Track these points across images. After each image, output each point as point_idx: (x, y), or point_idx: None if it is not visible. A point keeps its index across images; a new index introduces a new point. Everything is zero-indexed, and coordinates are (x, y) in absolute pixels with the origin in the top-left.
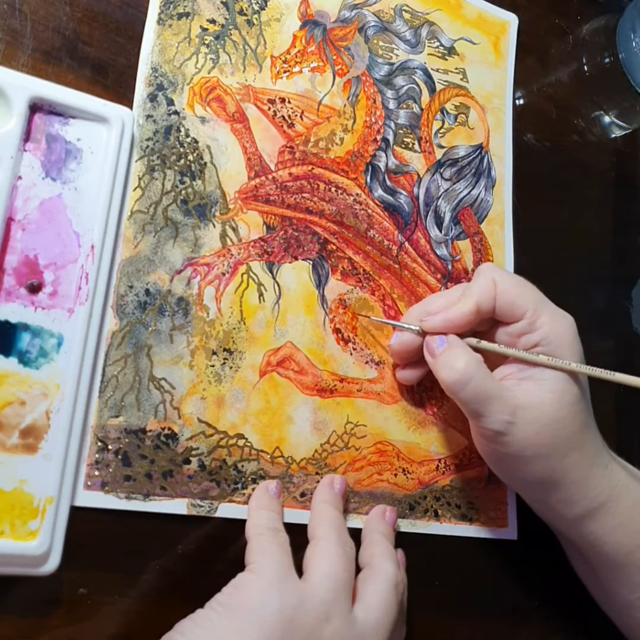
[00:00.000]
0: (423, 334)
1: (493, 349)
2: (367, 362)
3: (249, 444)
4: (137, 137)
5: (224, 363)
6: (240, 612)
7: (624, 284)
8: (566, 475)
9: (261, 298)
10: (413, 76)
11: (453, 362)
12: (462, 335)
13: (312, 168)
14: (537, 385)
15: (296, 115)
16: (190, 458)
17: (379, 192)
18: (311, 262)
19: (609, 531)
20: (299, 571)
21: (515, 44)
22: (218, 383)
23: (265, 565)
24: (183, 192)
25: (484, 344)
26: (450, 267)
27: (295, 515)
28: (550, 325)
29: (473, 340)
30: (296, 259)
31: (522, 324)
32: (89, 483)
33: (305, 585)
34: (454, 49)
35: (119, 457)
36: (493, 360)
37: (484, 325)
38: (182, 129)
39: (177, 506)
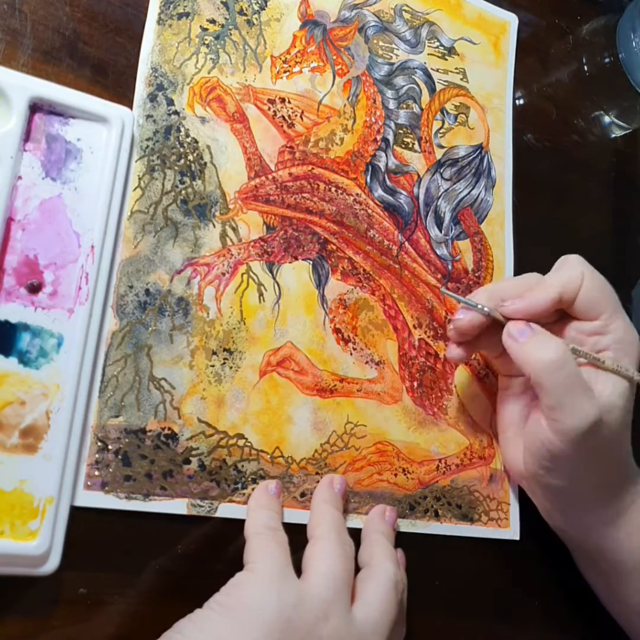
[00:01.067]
0: (488, 315)
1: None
2: (367, 362)
3: (249, 444)
4: (137, 137)
5: (224, 363)
6: (239, 612)
7: (624, 284)
8: (599, 482)
9: (261, 298)
10: (413, 76)
11: (548, 344)
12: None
13: (312, 168)
14: (614, 390)
15: (296, 115)
16: (190, 458)
17: (379, 192)
18: (311, 262)
19: (626, 537)
20: (298, 571)
21: (515, 44)
22: (218, 383)
23: (264, 565)
24: (183, 192)
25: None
26: (450, 267)
27: (295, 515)
28: (623, 333)
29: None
30: (296, 259)
31: (596, 324)
32: (89, 483)
33: (304, 585)
34: (454, 49)
35: (119, 457)
36: None
37: (551, 317)
38: (182, 129)
39: (177, 506)
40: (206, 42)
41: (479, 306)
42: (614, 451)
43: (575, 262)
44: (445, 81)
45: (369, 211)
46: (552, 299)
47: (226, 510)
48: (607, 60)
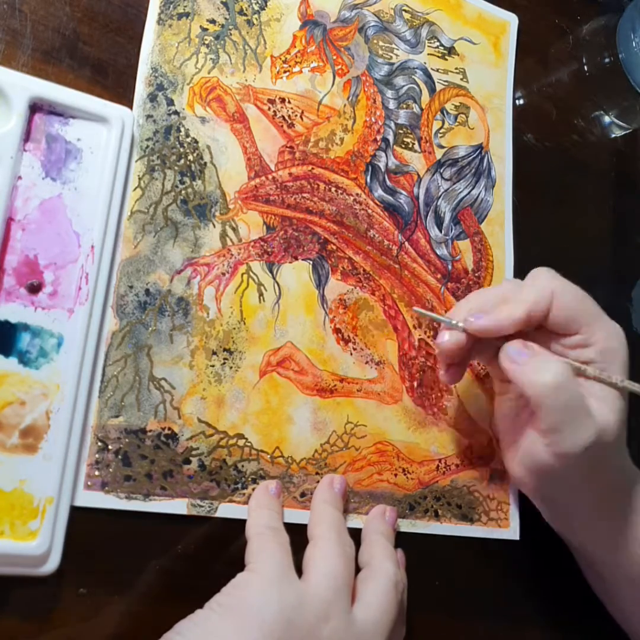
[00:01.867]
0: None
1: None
2: (367, 362)
3: (249, 444)
4: (137, 137)
5: (224, 363)
6: (240, 612)
7: (624, 284)
8: (597, 496)
9: (261, 298)
10: (413, 76)
11: (547, 366)
12: (507, 338)
13: (312, 168)
14: (607, 406)
15: (296, 115)
16: (190, 458)
17: (379, 192)
18: (311, 262)
19: (636, 549)
20: (299, 571)
21: (515, 44)
22: (218, 383)
23: (264, 565)
24: (183, 192)
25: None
26: (450, 267)
27: (295, 515)
28: (605, 343)
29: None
30: (296, 259)
31: (576, 338)
32: (89, 483)
33: (305, 585)
34: (454, 49)
35: (119, 457)
36: None
37: (530, 327)
38: (182, 129)
39: (177, 506)
40: (206, 42)
41: (456, 323)
42: (610, 464)
43: (545, 279)
44: (445, 81)
45: (369, 211)
46: (518, 319)
47: (226, 510)
48: (607, 60)
